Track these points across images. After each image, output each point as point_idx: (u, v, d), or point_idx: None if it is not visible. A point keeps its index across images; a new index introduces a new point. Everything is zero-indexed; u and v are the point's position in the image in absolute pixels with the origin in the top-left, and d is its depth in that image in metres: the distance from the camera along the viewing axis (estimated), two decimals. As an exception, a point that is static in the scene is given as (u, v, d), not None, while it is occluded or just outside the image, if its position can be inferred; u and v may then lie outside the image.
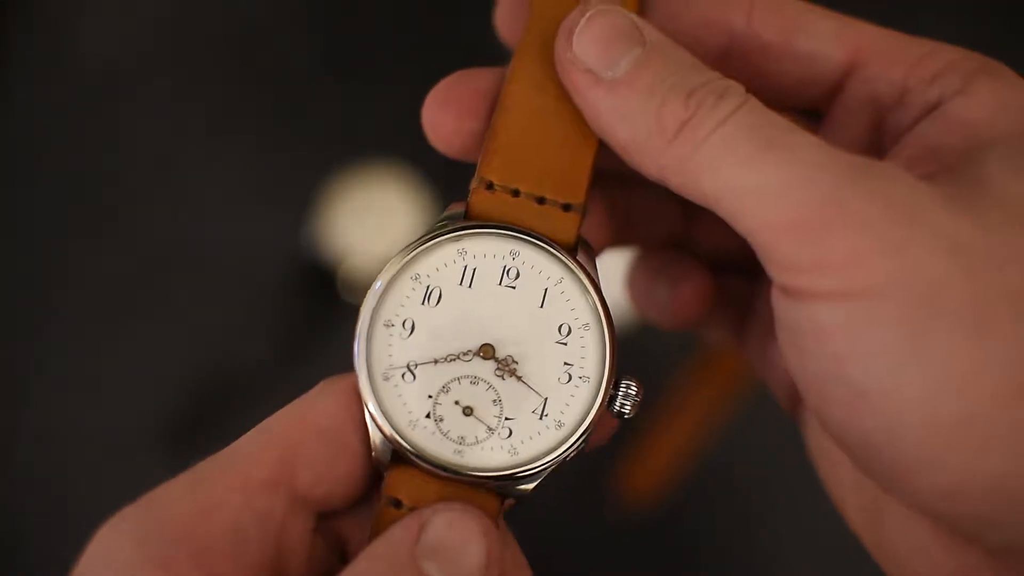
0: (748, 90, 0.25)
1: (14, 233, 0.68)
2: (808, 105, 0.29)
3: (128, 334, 0.66)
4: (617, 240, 0.33)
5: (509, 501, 0.26)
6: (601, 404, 0.26)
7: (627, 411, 0.26)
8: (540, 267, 0.26)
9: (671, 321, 0.33)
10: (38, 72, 0.70)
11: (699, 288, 0.33)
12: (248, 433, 0.25)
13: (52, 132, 0.69)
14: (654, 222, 0.33)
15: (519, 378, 0.26)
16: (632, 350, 0.65)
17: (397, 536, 0.24)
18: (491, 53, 0.80)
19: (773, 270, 0.24)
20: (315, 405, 0.26)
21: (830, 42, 0.27)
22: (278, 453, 0.24)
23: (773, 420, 0.66)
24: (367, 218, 0.67)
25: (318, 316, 0.66)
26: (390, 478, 0.26)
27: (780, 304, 0.24)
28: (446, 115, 0.28)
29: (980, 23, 0.70)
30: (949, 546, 0.26)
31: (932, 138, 0.25)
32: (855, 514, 0.29)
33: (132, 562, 0.23)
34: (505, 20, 0.30)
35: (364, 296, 0.27)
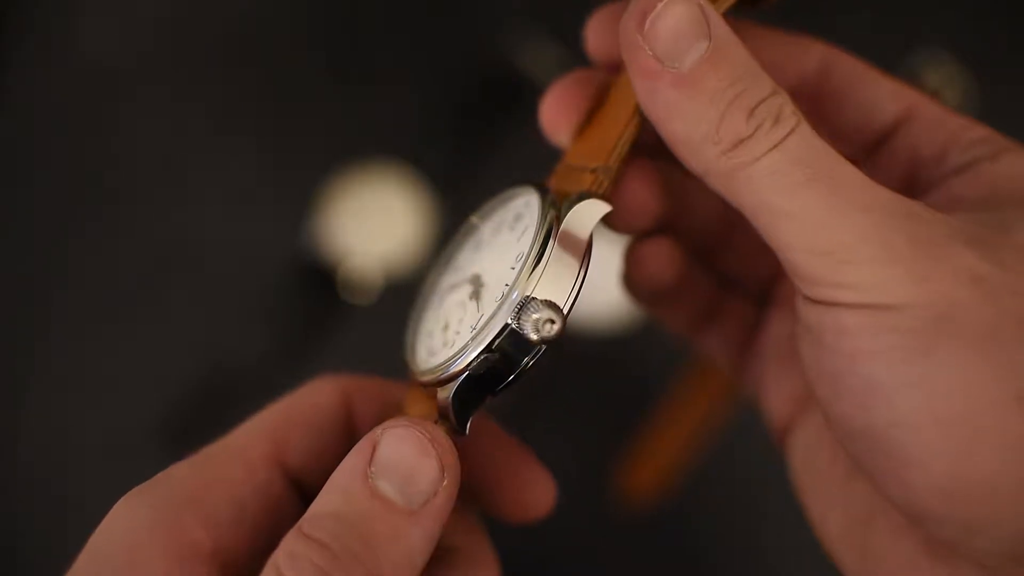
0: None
1: (13, 233, 0.68)
2: (855, 150, 0.31)
3: (128, 334, 0.66)
4: (664, 220, 0.33)
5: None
6: (504, 319, 0.26)
7: (524, 329, 0.26)
8: (534, 211, 0.29)
9: (633, 279, 0.33)
10: (38, 72, 0.70)
11: (662, 248, 0.33)
12: (243, 424, 0.28)
13: (52, 132, 0.69)
14: (698, 218, 0.34)
15: (477, 300, 0.29)
16: (633, 349, 0.65)
17: (351, 462, 0.25)
18: (491, 53, 0.80)
19: (801, 282, 0.26)
20: (304, 399, 0.29)
21: (888, 98, 0.30)
22: (272, 436, 0.28)
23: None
24: (367, 218, 0.67)
25: (318, 316, 0.66)
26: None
27: (804, 307, 0.26)
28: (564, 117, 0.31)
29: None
30: (938, 561, 0.27)
31: (958, 189, 0.28)
32: (838, 532, 0.30)
33: (147, 524, 0.25)
34: (596, 37, 0.32)
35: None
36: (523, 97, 0.68)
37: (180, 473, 0.26)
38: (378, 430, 0.25)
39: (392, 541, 0.24)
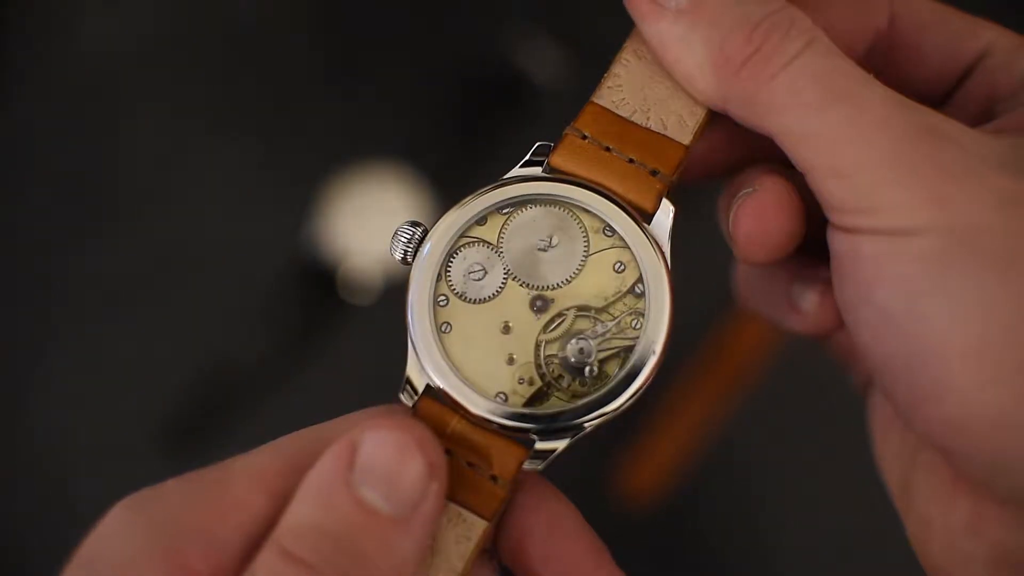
0: (885, 83, 0.25)
1: (14, 233, 0.68)
2: (933, 95, 0.29)
3: (128, 334, 0.66)
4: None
5: None
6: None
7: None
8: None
9: (805, 329, 0.31)
10: (38, 72, 0.70)
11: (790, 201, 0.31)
12: (264, 445, 0.25)
13: (52, 131, 0.69)
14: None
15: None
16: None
17: (329, 466, 0.22)
18: (489, 53, 0.79)
19: (825, 208, 0.25)
20: (338, 427, 0.25)
21: (964, 37, 0.28)
22: (296, 465, 0.24)
23: (774, 418, 0.66)
24: (367, 218, 0.67)
25: (318, 316, 0.66)
26: None
27: (829, 235, 0.25)
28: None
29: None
30: (965, 493, 0.26)
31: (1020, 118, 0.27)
32: (890, 461, 0.30)
33: (142, 550, 0.22)
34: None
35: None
36: (523, 97, 0.68)
37: (186, 491, 0.23)
38: (356, 431, 0.23)
39: (381, 555, 0.22)
